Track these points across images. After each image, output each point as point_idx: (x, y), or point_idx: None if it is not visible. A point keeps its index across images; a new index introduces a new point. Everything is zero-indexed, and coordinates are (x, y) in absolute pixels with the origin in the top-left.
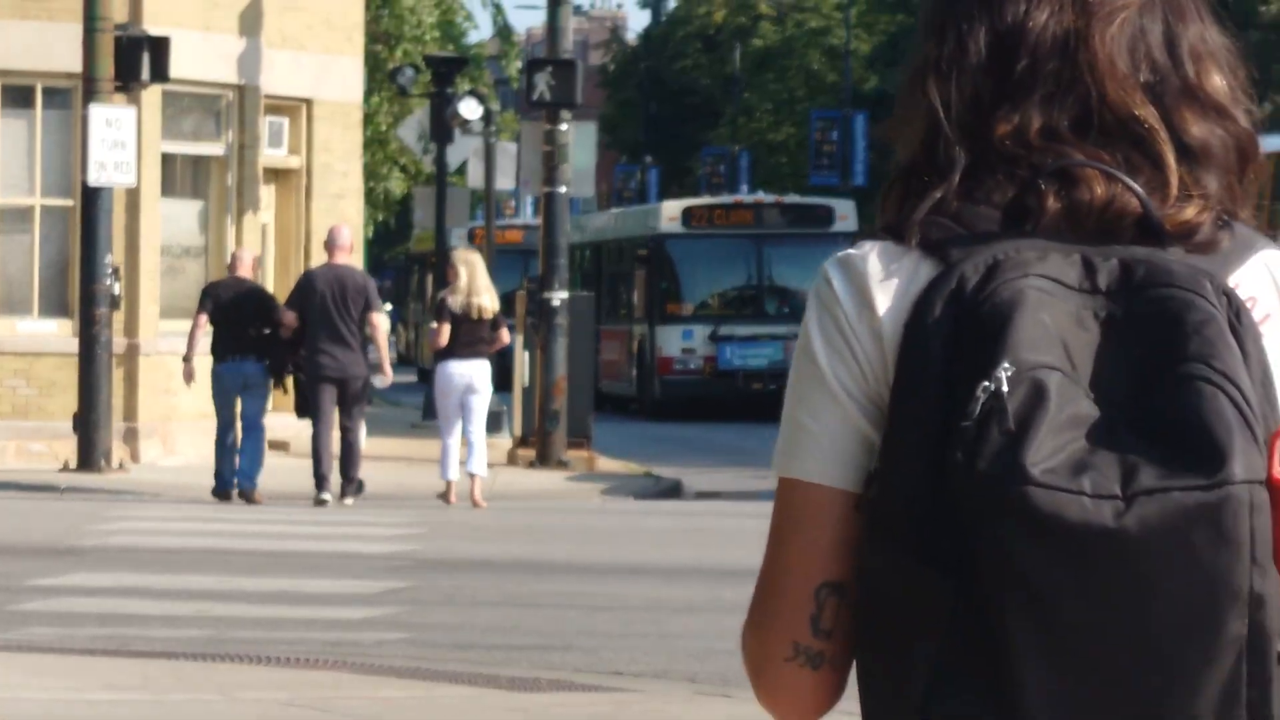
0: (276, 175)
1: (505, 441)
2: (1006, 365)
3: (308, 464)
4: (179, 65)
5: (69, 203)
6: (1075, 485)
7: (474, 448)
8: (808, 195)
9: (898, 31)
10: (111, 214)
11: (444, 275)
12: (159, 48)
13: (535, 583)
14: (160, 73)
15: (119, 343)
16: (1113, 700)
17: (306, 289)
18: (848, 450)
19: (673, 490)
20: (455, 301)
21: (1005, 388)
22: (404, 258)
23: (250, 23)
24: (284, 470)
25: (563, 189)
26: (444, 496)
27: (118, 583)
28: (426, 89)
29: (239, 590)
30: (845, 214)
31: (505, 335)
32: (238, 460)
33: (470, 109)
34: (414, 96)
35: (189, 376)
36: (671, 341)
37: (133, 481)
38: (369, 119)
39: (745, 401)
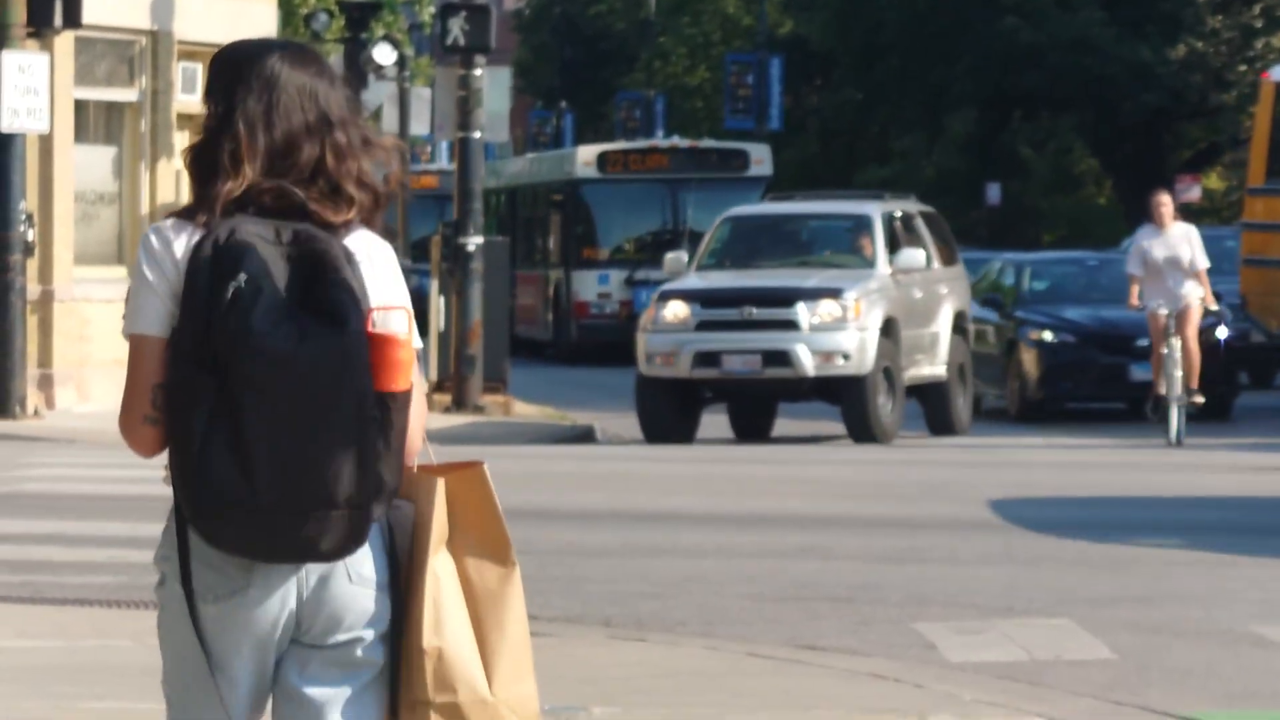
0: (190, 121)
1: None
2: (243, 275)
3: None
4: (91, 11)
5: None
6: (276, 333)
7: None
8: (723, 140)
9: None
10: (25, 160)
11: None
12: None
13: None
14: (73, 19)
15: (33, 289)
16: (300, 433)
17: None
18: (162, 318)
19: (587, 435)
20: None
21: (243, 286)
22: None
23: None
24: None
25: (477, 134)
26: None
27: (31, 529)
28: (340, 34)
29: (153, 537)
30: (761, 158)
31: None
32: None
33: (384, 54)
34: (328, 42)
35: None
36: (587, 286)
37: (47, 428)
38: None
39: None
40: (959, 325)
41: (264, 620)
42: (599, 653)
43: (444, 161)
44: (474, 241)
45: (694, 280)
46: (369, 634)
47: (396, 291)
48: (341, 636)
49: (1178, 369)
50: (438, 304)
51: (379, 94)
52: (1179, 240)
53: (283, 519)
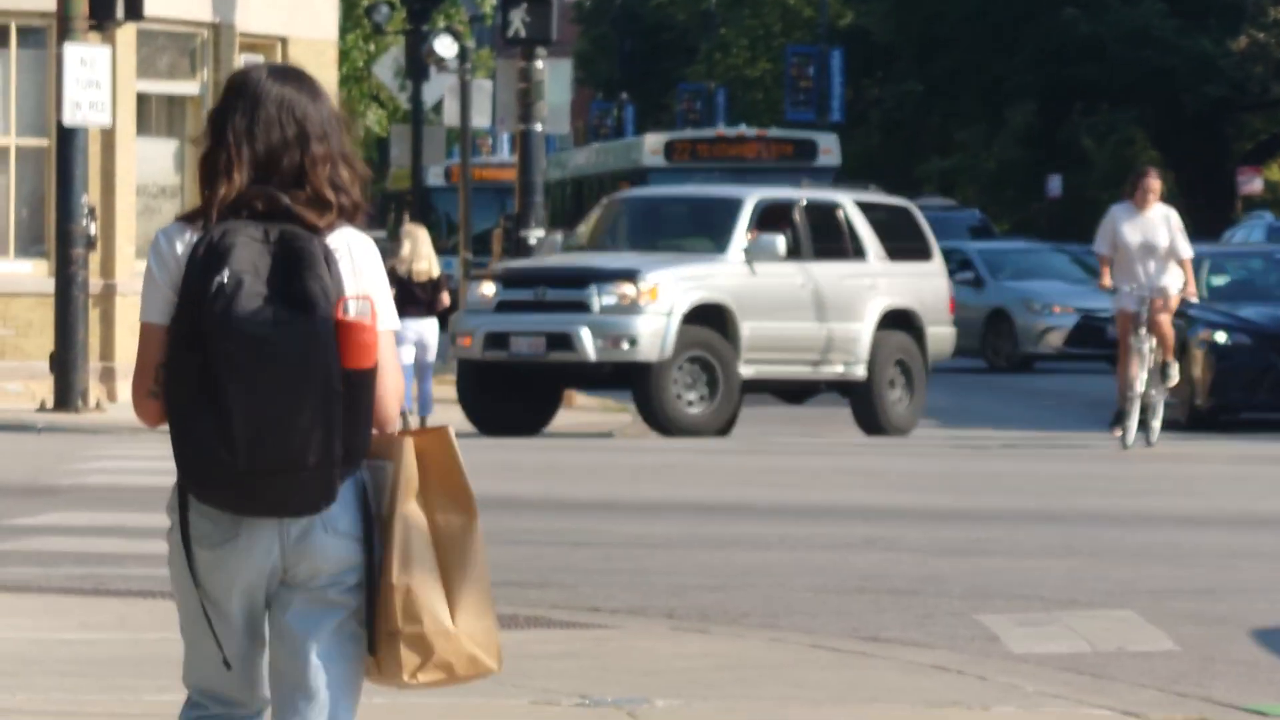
0: None
1: None
2: (227, 271)
3: None
4: (153, 3)
5: (44, 142)
6: (255, 319)
7: (424, 397)
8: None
9: None
10: (87, 154)
11: (419, 214)
12: None
13: (513, 519)
14: (135, 11)
15: (95, 283)
16: (272, 404)
17: None
18: (165, 308)
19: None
20: (400, 269)
21: (226, 280)
22: (380, 196)
23: None
24: None
25: (538, 126)
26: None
27: (94, 522)
28: (402, 26)
29: None
30: (829, 147)
31: (445, 298)
32: None
33: (445, 46)
34: (389, 34)
35: None
36: None
37: (109, 421)
38: (344, 56)
39: None
40: (906, 322)
41: (251, 565)
42: (662, 644)
43: (505, 154)
44: (536, 234)
45: (516, 261)
46: (346, 579)
47: (370, 282)
48: (321, 580)
49: (1145, 369)
50: None
51: (440, 86)
52: (1156, 224)
53: (257, 479)
